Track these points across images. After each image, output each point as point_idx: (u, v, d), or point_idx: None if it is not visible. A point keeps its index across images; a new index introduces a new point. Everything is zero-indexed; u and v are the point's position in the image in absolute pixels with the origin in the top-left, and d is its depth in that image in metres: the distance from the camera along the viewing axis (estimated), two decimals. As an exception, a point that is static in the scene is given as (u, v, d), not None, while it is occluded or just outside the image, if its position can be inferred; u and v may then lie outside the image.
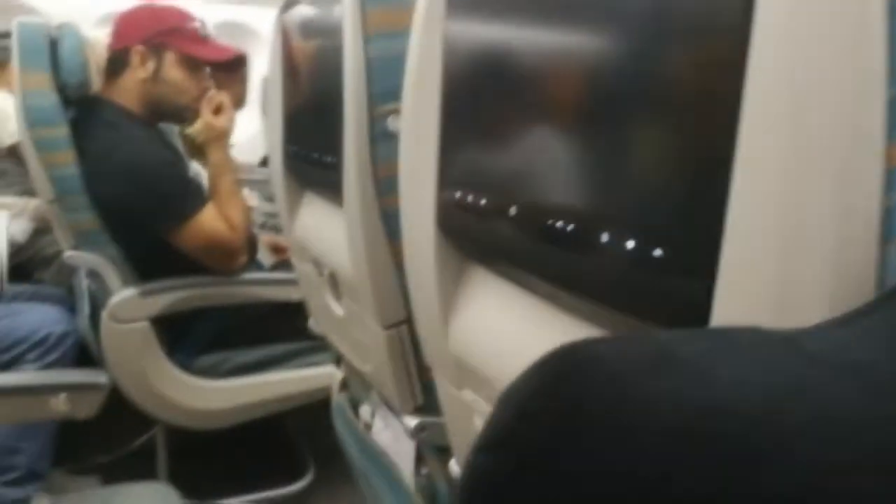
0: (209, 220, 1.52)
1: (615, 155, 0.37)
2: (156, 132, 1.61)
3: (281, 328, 1.64)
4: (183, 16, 1.61)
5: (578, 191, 0.40)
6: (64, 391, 0.97)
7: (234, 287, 1.60)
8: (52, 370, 1.35)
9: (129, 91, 1.55)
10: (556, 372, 0.19)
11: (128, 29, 1.56)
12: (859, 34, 0.25)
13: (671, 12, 0.33)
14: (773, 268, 0.28)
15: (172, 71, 1.56)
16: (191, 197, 1.52)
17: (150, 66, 1.54)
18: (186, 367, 1.62)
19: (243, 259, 1.60)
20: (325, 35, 0.81)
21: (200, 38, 1.61)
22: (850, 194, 0.25)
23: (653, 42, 0.34)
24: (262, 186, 2.47)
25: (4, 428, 1.38)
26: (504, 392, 0.21)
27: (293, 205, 1.02)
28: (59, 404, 0.96)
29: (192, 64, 1.58)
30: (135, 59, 1.53)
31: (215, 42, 1.69)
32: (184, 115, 1.65)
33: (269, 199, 2.38)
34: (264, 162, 3.71)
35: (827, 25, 0.26)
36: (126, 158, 1.49)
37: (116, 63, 1.55)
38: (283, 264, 1.77)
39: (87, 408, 0.99)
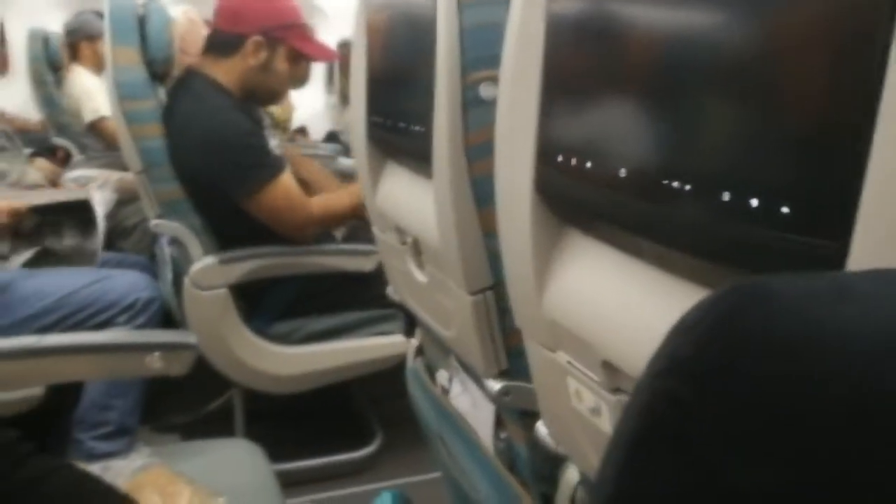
0: (280, 191, 1.56)
1: (740, 110, 0.37)
2: (242, 103, 1.65)
3: (353, 297, 1.69)
4: (298, 11, 1.66)
5: (696, 150, 0.40)
6: (158, 350, 1.02)
7: (310, 257, 1.65)
8: (148, 331, 1.42)
9: (232, 72, 1.60)
10: (737, 301, 0.20)
11: (248, 16, 1.60)
12: None
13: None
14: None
15: (281, 63, 1.62)
16: (265, 167, 1.56)
17: (263, 56, 1.60)
18: (263, 333, 1.68)
19: (311, 231, 1.64)
20: (414, 4, 0.82)
21: (310, 36, 1.67)
22: None
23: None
24: (326, 162, 2.53)
25: (98, 385, 1.46)
26: (678, 323, 0.22)
27: (375, 175, 1.04)
28: (154, 362, 1.02)
29: (298, 57, 1.63)
30: (250, 47, 1.58)
31: (320, 39, 1.75)
32: (275, 100, 1.72)
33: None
34: (329, 138, 3.77)
35: None
36: (204, 129, 1.55)
37: (226, 45, 1.60)
38: (354, 235, 1.81)
39: (179, 366, 1.04)
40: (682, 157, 0.42)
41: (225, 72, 1.60)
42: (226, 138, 1.54)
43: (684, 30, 0.41)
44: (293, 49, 1.62)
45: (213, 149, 1.53)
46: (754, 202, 0.35)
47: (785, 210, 0.34)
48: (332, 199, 1.67)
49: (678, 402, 0.20)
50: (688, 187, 0.40)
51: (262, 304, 1.69)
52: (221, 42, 1.60)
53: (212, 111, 1.56)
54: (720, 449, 0.18)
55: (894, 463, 0.16)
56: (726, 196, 0.37)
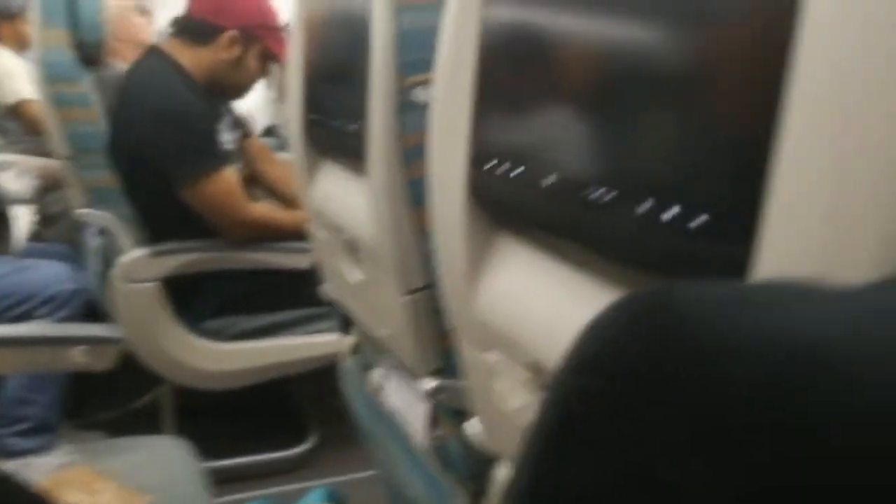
0: (223, 185, 1.53)
1: (655, 122, 0.39)
2: (204, 92, 1.60)
3: (289, 295, 1.67)
4: (276, 13, 1.64)
5: (620, 159, 0.42)
6: (82, 344, 0.99)
7: (244, 253, 1.62)
8: (72, 324, 1.38)
9: (200, 61, 1.57)
10: (647, 304, 0.21)
11: (229, 9, 1.58)
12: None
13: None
14: (817, 235, 0.30)
15: (253, 62, 1.59)
16: (212, 157, 1.53)
17: (236, 51, 1.57)
18: (195, 328, 1.64)
19: (244, 234, 1.61)
20: (353, 3, 0.81)
21: (284, 39, 1.65)
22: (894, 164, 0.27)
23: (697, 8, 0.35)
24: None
25: (17, 380, 1.41)
26: (590, 323, 0.23)
27: (312, 171, 1.03)
28: (78, 356, 0.99)
29: (268, 58, 1.61)
30: (225, 40, 1.55)
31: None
32: (239, 95, 1.69)
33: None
34: (268, 132, 3.70)
35: None
36: (160, 105, 1.51)
37: (200, 33, 1.57)
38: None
39: (104, 361, 1.02)
40: (607, 166, 0.43)
41: (193, 59, 1.56)
42: (182, 116, 1.50)
43: (610, 43, 0.43)
44: (266, 49, 1.60)
45: (166, 125, 1.49)
46: (673, 211, 0.37)
47: (701, 220, 0.35)
48: (277, 213, 1.65)
49: (590, 398, 0.21)
50: (612, 195, 0.42)
51: (196, 299, 1.65)
52: (196, 29, 1.57)
53: (171, 89, 1.53)
54: (639, 447, 0.19)
55: (805, 460, 0.17)
56: (647, 205, 0.39)
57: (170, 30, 1.64)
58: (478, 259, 0.60)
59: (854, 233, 0.28)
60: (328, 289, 1.11)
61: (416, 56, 0.71)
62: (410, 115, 0.73)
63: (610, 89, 0.43)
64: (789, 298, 0.21)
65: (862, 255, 0.28)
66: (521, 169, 0.51)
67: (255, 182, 1.79)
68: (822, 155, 0.29)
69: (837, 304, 0.20)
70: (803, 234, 0.30)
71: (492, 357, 0.60)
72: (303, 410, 1.97)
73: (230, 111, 1.73)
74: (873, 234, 0.28)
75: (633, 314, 0.21)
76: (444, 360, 0.80)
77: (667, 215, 0.37)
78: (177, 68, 1.55)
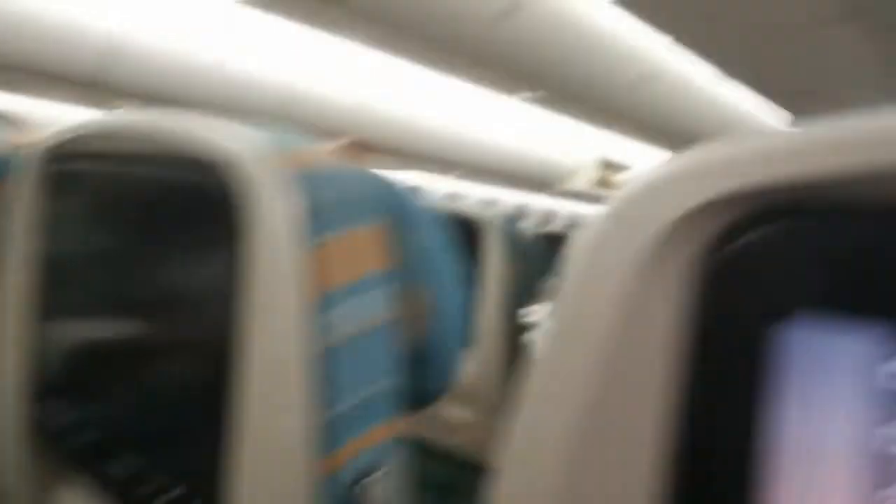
0: None
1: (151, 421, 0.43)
2: None
3: None
4: None
5: (138, 433, 0.45)
6: None
7: None
8: None
9: None
10: None
11: None
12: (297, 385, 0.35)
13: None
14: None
15: None
16: None
17: None
18: None
19: None
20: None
21: None
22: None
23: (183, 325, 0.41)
24: None
25: None
26: None
27: None
28: None
29: None
30: None
31: None
32: None
33: None
34: None
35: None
36: None
37: None
38: None
39: None
40: (130, 438, 0.46)
41: None
42: None
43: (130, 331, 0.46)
44: None
45: None
46: (171, 495, 0.41)
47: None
48: None
49: None
50: (131, 470, 0.44)
51: None
52: None
53: None
54: None
55: None
56: (152, 486, 0.42)
57: None
58: (40, 496, 0.57)
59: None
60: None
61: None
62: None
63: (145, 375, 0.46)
64: None
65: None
66: (72, 417, 0.51)
67: None
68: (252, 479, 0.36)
69: None
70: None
71: None
72: None
73: None
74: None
75: None
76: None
77: (161, 500, 0.40)
78: None
